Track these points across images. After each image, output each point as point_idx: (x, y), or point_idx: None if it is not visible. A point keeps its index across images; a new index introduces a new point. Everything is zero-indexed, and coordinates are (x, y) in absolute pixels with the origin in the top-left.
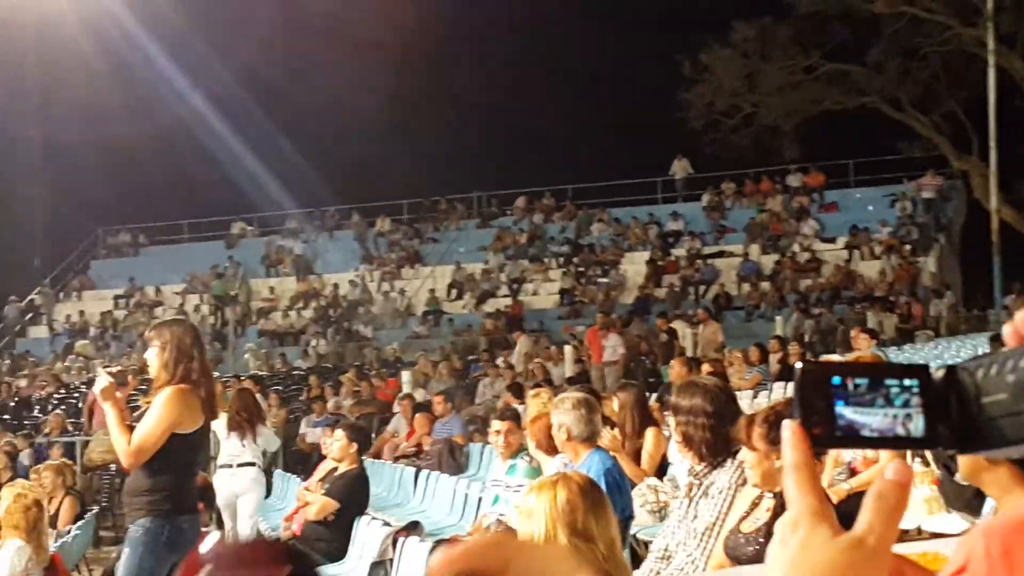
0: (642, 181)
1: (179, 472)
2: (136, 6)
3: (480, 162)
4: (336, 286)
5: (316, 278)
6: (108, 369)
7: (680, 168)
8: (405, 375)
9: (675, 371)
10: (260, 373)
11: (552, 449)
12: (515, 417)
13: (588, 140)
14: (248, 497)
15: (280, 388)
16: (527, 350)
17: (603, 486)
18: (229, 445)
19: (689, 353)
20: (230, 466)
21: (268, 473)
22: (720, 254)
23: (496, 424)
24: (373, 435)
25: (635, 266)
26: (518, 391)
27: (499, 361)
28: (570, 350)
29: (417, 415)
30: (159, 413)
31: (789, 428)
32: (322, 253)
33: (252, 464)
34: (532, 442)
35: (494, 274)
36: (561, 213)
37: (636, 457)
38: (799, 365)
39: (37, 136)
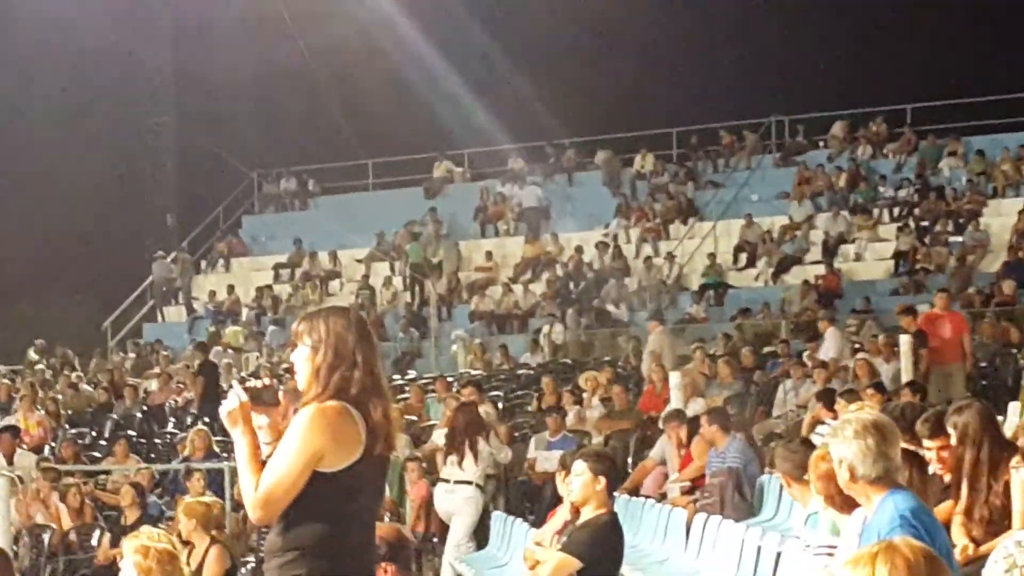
0: (1015, 97)
1: (327, 526)
2: None
3: (779, 76)
4: (579, 250)
5: (551, 239)
6: (248, 384)
7: None
8: (674, 377)
9: None
10: (472, 372)
11: (848, 501)
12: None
13: (932, 41)
14: (460, 519)
15: (501, 394)
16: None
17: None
18: (448, 463)
19: None
20: (447, 481)
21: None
22: None
23: (780, 457)
24: (629, 461)
25: (1004, 218)
26: (831, 400)
27: (806, 356)
28: (907, 341)
29: (696, 437)
30: (293, 444)
31: None
32: (559, 204)
33: (469, 483)
34: (819, 494)
35: (800, 232)
36: (896, 144)
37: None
38: None
39: (168, 59)
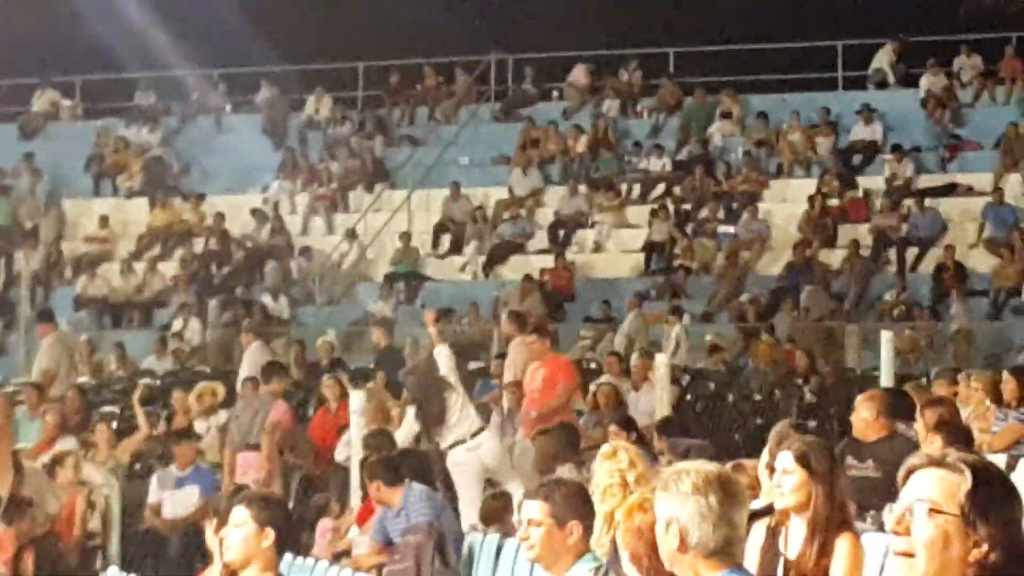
0: (810, 46)
1: None
2: None
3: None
4: (223, 217)
5: (189, 203)
6: None
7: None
8: (356, 396)
9: (865, 415)
10: (79, 381)
11: (659, 571)
12: (576, 493)
13: None
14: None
15: (116, 410)
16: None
17: None
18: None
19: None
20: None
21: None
22: (950, 189)
23: (530, 507)
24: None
25: (789, 205)
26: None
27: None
28: (664, 361)
29: (377, 480)
30: None
31: None
32: (203, 156)
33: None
34: (624, 549)
35: (523, 210)
36: (654, 99)
37: None
38: None
39: None
